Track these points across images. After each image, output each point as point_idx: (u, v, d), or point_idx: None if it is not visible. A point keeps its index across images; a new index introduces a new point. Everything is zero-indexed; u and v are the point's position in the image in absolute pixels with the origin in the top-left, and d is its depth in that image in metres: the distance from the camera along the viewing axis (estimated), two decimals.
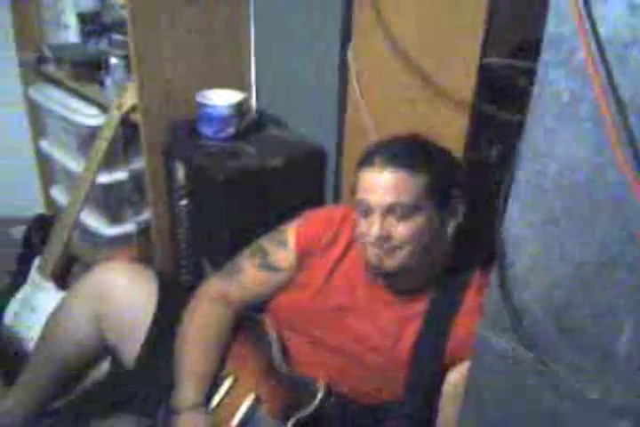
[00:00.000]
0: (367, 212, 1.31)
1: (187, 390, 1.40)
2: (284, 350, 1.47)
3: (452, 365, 1.34)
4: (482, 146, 1.60)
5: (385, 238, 1.29)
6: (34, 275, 2.12)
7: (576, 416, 0.91)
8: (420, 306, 1.38)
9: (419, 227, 1.29)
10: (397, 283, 1.40)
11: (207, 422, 1.37)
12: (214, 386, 1.44)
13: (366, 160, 1.32)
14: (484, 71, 1.52)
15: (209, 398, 1.42)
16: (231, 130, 1.91)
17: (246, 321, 1.53)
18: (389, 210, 1.28)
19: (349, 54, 1.75)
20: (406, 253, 1.31)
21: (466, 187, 1.35)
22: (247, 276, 1.52)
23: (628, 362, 0.83)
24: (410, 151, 1.31)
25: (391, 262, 1.32)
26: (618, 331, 0.83)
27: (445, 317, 1.34)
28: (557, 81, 0.79)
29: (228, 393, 1.43)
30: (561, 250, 0.86)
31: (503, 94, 1.54)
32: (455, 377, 1.33)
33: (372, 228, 1.30)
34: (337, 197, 1.96)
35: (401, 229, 1.29)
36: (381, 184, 1.28)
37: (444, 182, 1.31)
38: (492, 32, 1.49)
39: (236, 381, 1.44)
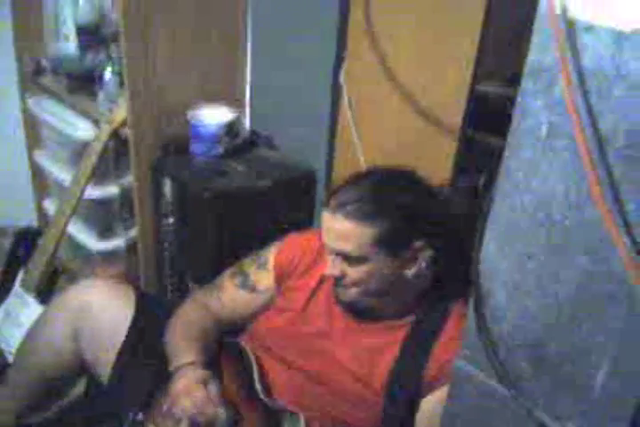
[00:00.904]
0: (325, 249, 1.32)
1: (179, 354, 1.39)
2: (264, 379, 1.44)
3: (427, 392, 1.32)
4: (472, 173, 1.59)
5: (337, 277, 1.31)
6: (17, 288, 2.10)
7: None
8: (399, 334, 1.36)
9: (366, 274, 1.28)
10: (369, 310, 1.39)
11: (199, 376, 1.33)
12: None
13: (328, 199, 1.30)
14: (477, 99, 1.51)
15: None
16: (221, 148, 1.90)
17: (228, 348, 1.52)
18: (338, 254, 1.28)
19: (342, 79, 1.74)
20: (356, 294, 1.32)
21: (436, 232, 1.29)
22: (227, 295, 1.53)
23: (605, 400, 0.81)
24: (363, 200, 1.25)
25: (344, 298, 1.35)
26: (594, 368, 0.81)
27: (423, 344, 1.33)
28: (536, 112, 0.77)
29: None
30: (537, 285, 0.84)
31: (496, 122, 1.53)
32: (428, 406, 1.31)
33: (326, 266, 1.32)
34: None
35: (349, 273, 1.29)
36: (330, 229, 1.27)
37: (399, 234, 1.25)
38: (487, 61, 1.49)
39: None
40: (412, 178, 1.33)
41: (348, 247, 1.25)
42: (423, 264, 1.29)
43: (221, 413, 1.29)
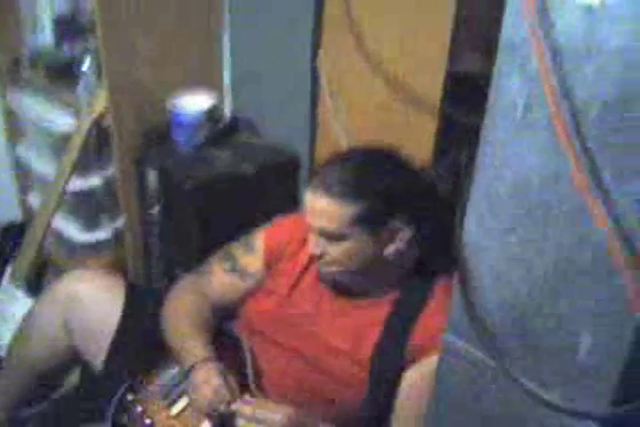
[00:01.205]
0: (309, 228, 1.34)
1: (192, 350, 1.40)
2: (256, 367, 1.46)
3: (411, 363, 1.34)
4: (452, 151, 1.60)
5: (319, 255, 1.33)
6: (5, 282, 2.10)
7: (541, 421, 0.92)
8: (384, 309, 1.38)
9: (346, 252, 1.30)
10: (355, 288, 1.42)
11: (218, 370, 1.35)
12: (177, 396, 1.45)
13: (311, 179, 1.34)
14: (454, 78, 1.52)
15: (174, 401, 1.44)
16: (202, 136, 1.90)
17: (223, 336, 1.52)
18: (320, 232, 1.31)
19: (319, 61, 1.75)
20: (337, 271, 1.35)
21: (417, 210, 1.31)
22: (217, 279, 1.54)
23: (589, 369, 0.83)
24: (343, 179, 1.27)
25: (327, 275, 1.39)
26: (577, 338, 0.83)
27: (407, 318, 1.35)
28: (512, 88, 0.79)
29: (189, 404, 1.42)
30: (519, 258, 0.86)
31: (475, 99, 1.54)
32: (412, 376, 1.34)
33: (309, 244, 1.35)
34: None
35: (330, 251, 1.32)
36: (312, 208, 1.30)
37: (377, 213, 1.27)
38: (463, 41, 1.50)
39: None
40: (394, 157, 1.35)
41: (328, 225, 1.28)
42: (402, 244, 1.31)
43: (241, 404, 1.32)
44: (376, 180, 1.29)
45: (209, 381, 1.33)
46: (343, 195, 1.26)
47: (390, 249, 1.32)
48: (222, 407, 1.32)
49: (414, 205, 1.31)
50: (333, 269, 1.35)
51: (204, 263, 1.58)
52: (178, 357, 1.43)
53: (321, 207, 1.28)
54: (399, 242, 1.31)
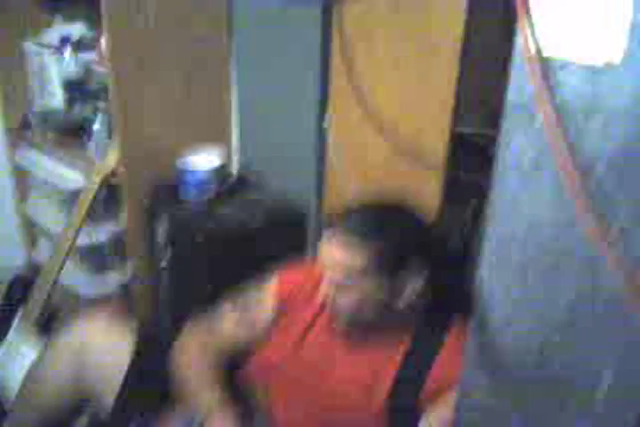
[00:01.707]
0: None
1: (208, 401, 1.41)
2: (267, 418, 1.46)
3: (428, 405, 1.34)
4: (458, 204, 1.64)
5: (330, 300, 1.36)
6: (15, 331, 2.10)
7: None
8: (400, 348, 1.39)
9: (355, 300, 1.32)
10: (368, 333, 1.42)
11: (233, 417, 1.36)
12: None
13: (325, 229, 1.36)
14: (458, 139, 1.57)
15: None
16: (211, 193, 1.94)
17: (232, 387, 1.52)
18: (330, 281, 1.34)
19: (326, 123, 1.80)
20: (346, 316, 1.37)
21: (428, 261, 1.33)
22: (226, 329, 1.55)
23: (608, 414, 0.84)
24: (354, 230, 1.30)
25: (337, 320, 1.40)
26: (596, 382, 0.84)
27: (422, 361, 1.35)
28: (518, 148, 0.82)
29: None
30: (533, 303, 0.88)
31: (477, 159, 1.59)
32: (429, 419, 1.32)
33: (322, 286, 1.37)
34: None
35: (341, 295, 1.33)
36: (324, 256, 1.33)
37: (388, 263, 1.30)
38: (464, 105, 1.55)
39: None
40: (404, 208, 1.38)
41: (337, 274, 1.31)
42: (412, 293, 1.33)
43: None
44: (387, 230, 1.32)
45: None
46: (354, 246, 1.28)
47: (401, 298, 1.33)
48: None
49: (425, 253, 1.33)
50: (342, 316, 1.37)
51: (212, 311, 1.59)
52: (192, 404, 1.44)
53: (332, 256, 1.31)
54: (410, 291, 1.33)
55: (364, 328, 1.41)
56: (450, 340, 1.36)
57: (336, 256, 1.30)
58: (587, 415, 0.86)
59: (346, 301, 1.33)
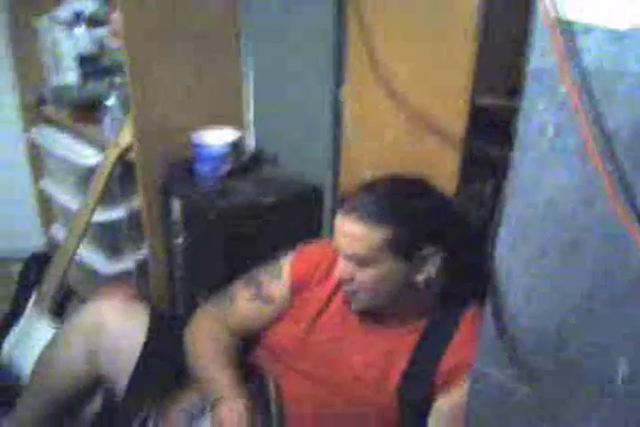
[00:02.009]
0: (337, 252, 1.34)
1: (217, 383, 1.39)
2: (278, 396, 1.44)
3: (440, 394, 1.33)
4: (477, 182, 1.61)
5: (347, 280, 1.33)
6: (30, 310, 2.12)
7: None
8: (412, 337, 1.38)
9: (375, 278, 1.30)
10: (383, 316, 1.41)
11: (244, 406, 1.34)
12: (204, 419, 1.42)
13: (341, 203, 1.34)
14: (477, 111, 1.54)
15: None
16: (226, 168, 1.92)
17: (245, 365, 1.51)
18: (348, 257, 1.31)
19: (342, 94, 1.77)
20: (365, 298, 1.34)
21: (448, 238, 1.31)
22: (240, 307, 1.53)
23: (628, 395, 0.82)
24: (374, 204, 1.28)
25: (352, 305, 1.38)
26: (615, 363, 0.82)
27: (436, 347, 1.34)
28: (542, 114, 0.80)
29: None
30: (552, 283, 0.86)
31: (497, 132, 1.56)
32: (442, 406, 1.32)
33: (337, 269, 1.34)
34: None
35: (358, 277, 1.31)
36: (342, 231, 1.30)
37: (410, 239, 1.27)
38: (486, 74, 1.51)
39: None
40: (424, 185, 1.36)
41: (358, 250, 1.27)
42: (432, 271, 1.31)
43: None
44: (408, 205, 1.30)
45: (233, 417, 1.32)
46: (373, 218, 1.26)
47: (420, 276, 1.31)
48: None
49: (445, 231, 1.31)
50: (362, 296, 1.34)
51: (226, 290, 1.58)
52: (203, 388, 1.43)
53: (352, 232, 1.28)
54: (430, 269, 1.31)
55: (379, 310, 1.39)
56: (464, 324, 1.35)
57: (356, 230, 1.27)
58: (606, 397, 0.84)
59: (365, 278, 1.30)
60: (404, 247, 1.27)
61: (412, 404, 1.35)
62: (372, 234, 1.26)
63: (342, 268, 1.33)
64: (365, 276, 1.30)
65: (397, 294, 1.33)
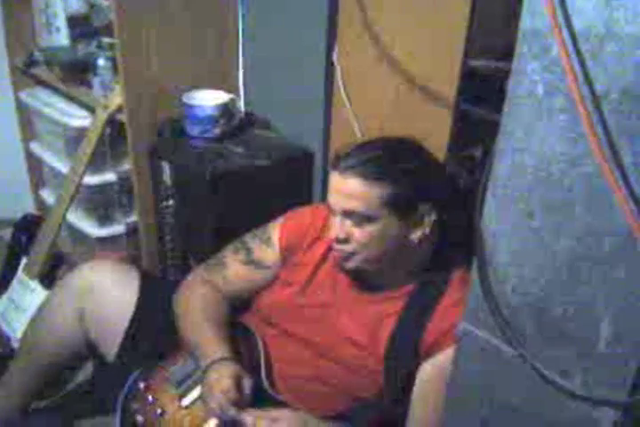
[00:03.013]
0: (332, 212, 1.33)
1: (208, 348, 1.40)
2: (269, 362, 1.46)
3: (426, 357, 1.34)
4: (468, 145, 1.61)
5: (342, 240, 1.32)
6: (20, 274, 2.12)
7: (560, 409, 0.92)
8: (401, 302, 1.38)
9: (373, 235, 1.29)
10: (373, 280, 1.41)
11: (232, 372, 1.34)
12: (189, 386, 1.44)
13: (334, 162, 1.32)
14: (470, 74, 1.53)
15: (186, 391, 1.44)
16: (217, 130, 1.91)
17: (235, 328, 1.52)
18: (346, 215, 1.30)
19: (335, 57, 1.76)
20: (361, 258, 1.33)
21: (441, 197, 1.32)
22: (231, 271, 1.54)
23: (609, 354, 0.83)
24: (372, 161, 1.28)
25: (349, 264, 1.36)
26: (597, 323, 0.83)
27: (423, 310, 1.34)
28: (532, 75, 0.79)
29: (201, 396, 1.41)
30: (538, 243, 0.86)
31: (489, 96, 1.55)
32: (428, 370, 1.33)
33: (331, 229, 1.33)
34: (325, 197, 1.96)
35: (356, 235, 1.30)
36: (340, 189, 1.29)
37: (407, 196, 1.28)
38: (478, 36, 1.50)
39: None
40: (415, 144, 1.36)
41: (357, 206, 1.27)
42: (427, 230, 1.32)
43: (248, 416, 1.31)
44: (404, 162, 1.30)
45: (221, 382, 1.32)
46: (372, 175, 1.26)
47: (415, 234, 1.32)
48: (232, 411, 1.30)
49: (437, 189, 1.32)
50: (357, 257, 1.34)
51: (217, 255, 1.58)
52: (194, 352, 1.44)
53: (351, 188, 1.27)
54: (425, 227, 1.32)
55: (371, 273, 1.40)
56: (452, 287, 1.35)
57: (356, 187, 1.27)
58: (589, 356, 0.86)
59: (363, 235, 1.30)
60: (402, 204, 1.28)
61: (398, 368, 1.36)
62: (372, 190, 1.26)
63: (338, 227, 1.32)
64: (361, 233, 1.30)
65: (392, 254, 1.34)
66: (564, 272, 0.85)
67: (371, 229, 1.29)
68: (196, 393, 1.43)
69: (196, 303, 1.51)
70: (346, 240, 1.32)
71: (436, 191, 1.32)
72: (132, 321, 1.56)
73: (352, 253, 1.34)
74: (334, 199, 1.31)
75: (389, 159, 1.29)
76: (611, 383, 0.85)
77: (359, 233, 1.30)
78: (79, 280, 1.61)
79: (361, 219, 1.28)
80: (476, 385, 1.04)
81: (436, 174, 1.35)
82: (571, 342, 0.87)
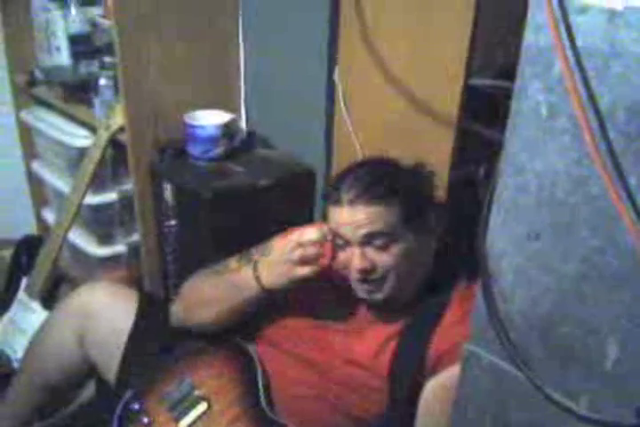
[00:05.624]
0: (343, 245, 1.31)
1: (240, 268, 1.43)
2: (268, 380, 1.44)
3: (430, 376, 1.32)
4: (469, 164, 1.61)
5: (369, 270, 1.30)
6: (21, 295, 2.11)
7: None
8: (404, 320, 1.38)
9: (400, 254, 1.29)
10: (382, 304, 1.40)
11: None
12: (186, 408, 1.42)
13: (332, 197, 1.32)
14: (471, 92, 1.53)
15: (182, 414, 1.41)
16: (219, 150, 1.91)
17: (234, 350, 1.50)
18: (366, 241, 1.28)
19: (336, 75, 1.76)
20: (392, 283, 1.32)
21: (442, 204, 1.34)
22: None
23: (617, 376, 0.82)
24: (374, 184, 1.28)
25: (379, 295, 1.34)
26: (604, 344, 0.82)
27: (425, 329, 1.33)
28: (535, 95, 0.79)
29: (199, 418, 1.40)
30: (543, 264, 0.85)
31: (490, 114, 1.55)
32: (433, 388, 1.31)
33: (353, 261, 1.30)
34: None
35: (382, 259, 1.29)
36: (354, 221, 1.28)
37: (419, 207, 1.29)
38: (479, 55, 1.50)
39: (209, 408, 1.40)
40: (394, 161, 1.37)
41: (381, 227, 1.27)
42: (437, 235, 1.34)
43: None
44: (402, 177, 1.32)
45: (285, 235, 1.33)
46: (383, 196, 1.26)
47: (431, 244, 1.33)
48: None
49: (438, 204, 1.34)
50: (386, 285, 1.32)
51: (220, 263, 1.56)
52: (232, 290, 1.43)
53: (364, 217, 1.27)
54: (437, 234, 1.33)
55: (393, 296, 1.36)
56: (452, 309, 1.34)
57: (370, 211, 1.26)
58: (596, 377, 0.84)
59: (391, 258, 1.29)
60: (415, 217, 1.29)
61: (402, 387, 1.34)
62: (387, 209, 1.27)
63: (360, 258, 1.29)
64: (391, 255, 1.29)
65: (414, 272, 1.34)
66: (569, 293, 0.84)
67: (396, 249, 1.28)
68: (193, 415, 1.41)
69: (200, 277, 1.53)
70: (373, 269, 1.30)
71: (436, 204, 1.34)
72: (129, 341, 1.55)
73: (382, 281, 1.32)
74: (349, 231, 1.29)
75: (388, 178, 1.30)
76: (617, 405, 0.84)
77: (385, 257, 1.29)
78: (79, 303, 1.61)
79: (385, 241, 1.28)
80: (480, 405, 1.03)
81: (429, 183, 1.36)
82: (577, 364, 0.86)
